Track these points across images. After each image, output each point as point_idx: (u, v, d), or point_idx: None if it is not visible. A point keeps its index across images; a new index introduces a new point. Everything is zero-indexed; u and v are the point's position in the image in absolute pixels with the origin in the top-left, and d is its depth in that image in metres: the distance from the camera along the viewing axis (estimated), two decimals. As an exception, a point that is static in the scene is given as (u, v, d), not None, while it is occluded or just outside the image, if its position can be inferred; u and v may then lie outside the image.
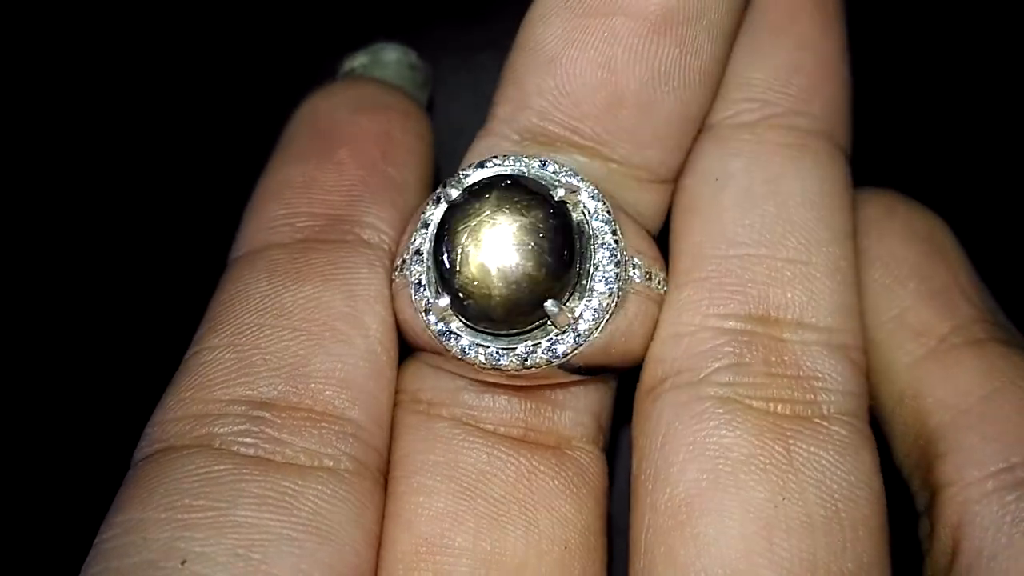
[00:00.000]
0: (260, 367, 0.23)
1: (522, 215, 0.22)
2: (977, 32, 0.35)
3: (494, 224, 0.22)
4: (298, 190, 0.26)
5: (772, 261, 0.24)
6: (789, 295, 0.23)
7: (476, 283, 0.22)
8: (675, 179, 0.26)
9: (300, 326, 0.23)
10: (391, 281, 0.25)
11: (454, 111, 0.34)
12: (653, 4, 0.23)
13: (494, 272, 0.22)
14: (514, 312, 0.22)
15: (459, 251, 0.22)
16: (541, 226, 0.22)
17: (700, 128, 0.25)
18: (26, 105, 0.36)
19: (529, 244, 0.22)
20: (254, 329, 0.23)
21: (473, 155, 0.25)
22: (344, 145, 0.26)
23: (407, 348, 0.25)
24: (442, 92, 0.34)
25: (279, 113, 0.28)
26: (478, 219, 0.22)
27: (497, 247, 0.22)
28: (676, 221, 0.25)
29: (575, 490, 0.23)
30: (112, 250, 0.35)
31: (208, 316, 0.24)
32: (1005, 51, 0.34)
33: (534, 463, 0.23)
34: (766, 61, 0.25)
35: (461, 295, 0.22)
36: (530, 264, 0.22)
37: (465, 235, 0.22)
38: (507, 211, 0.22)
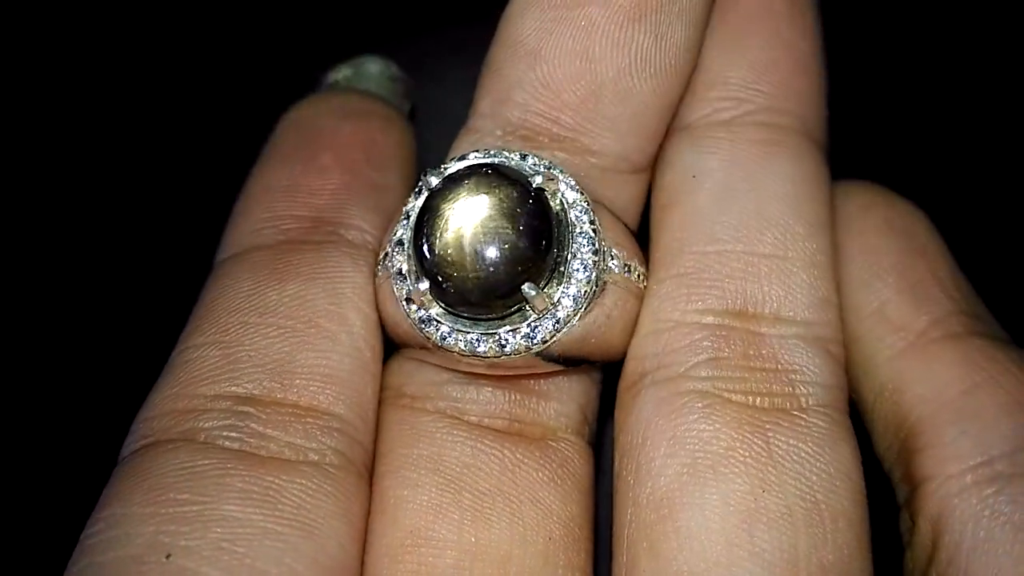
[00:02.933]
0: (245, 363, 0.23)
1: (498, 198, 0.22)
2: (955, 26, 0.35)
3: (470, 207, 0.22)
4: (282, 194, 0.26)
5: (749, 256, 0.24)
6: (766, 289, 0.24)
7: (453, 265, 0.22)
8: (651, 168, 0.26)
9: (284, 323, 0.24)
10: (375, 278, 0.25)
11: (435, 121, 0.35)
12: None
13: (470, 253, 0.22)
14: (491, 294, 0.22)
15: (436, 235, 0.22)
16: (518, 210, 0.22)
17: (673, 120, 0.26)
18: (20, 112, 0.37)
19: (505, 227, 0.22)
20: (239, 327, 0.24)
21: (456, 150, 0.26)
22: (328, 150, 0.27)
23: (392, 347, 0.25)
24: (423, 103, 0.35)
25: (265, 122, 0.29)
26: (455, 203, 0.22)
27: (473, 229, 0.22)
28: (655, 218, 0.26)
29: (560, 482, 0.24)
30: (102, 253, 0.36)
31: (194, 316, 0.25)
32: (985, 45, 0.35)
33: (519, 455, 0.24)
34: (740, 59, 0.25)
35: (440, 278, 0.22)
36: (506, 246, 0.22)
37: (442, 219, 0.22)
38: (484, 194, 0.22)
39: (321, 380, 0.23)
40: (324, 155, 0.27)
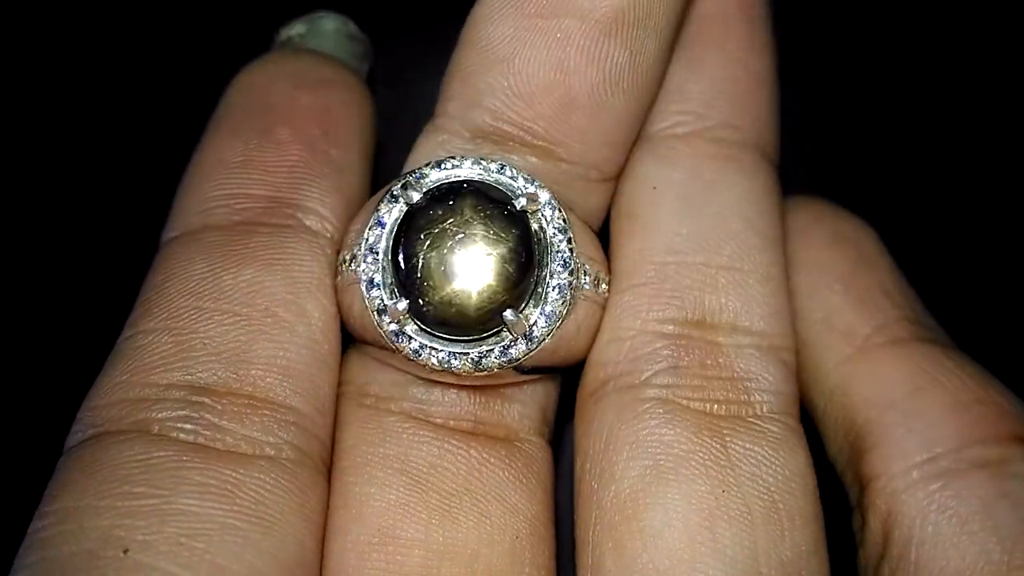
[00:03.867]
0: (199, 351, 0.22)
1: (486, 225, 0.22)
2: (899, 46, 0.36)
3: (458, 233, 0.22)
4: (236, 169, 0.25)
5: (707, 268, 0.25)
6: (724, 300, 0.24)
7: (437, 291, 0.22)
8: (617, 177, 0.26)
9: (240, 311, 0.23)
10: (336, 272, 0.25)
11: (394, 84, 0.33)
12: (604, 6, 0.23)
13: (458, 282, 0.22)
14: (473, 321, 0.23)
15: (421, 257, 0.22)
16: (503, 236, 0.22)
17: (639, 132, 0.26)
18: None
19: (493, 255, 0.22)
20: (192, 312, 0.23)
21: (423, 150, 0.26)
22: (284, 123, 0.26)
23: (348, 338, 0.25)
24: (381, 64, 0.33)
25: (212, 84, 0.27)
26: (441, 226, 0.22)
27: (461, 257, 0.22)
28: (616, 225, 0.26)
29: (525, 481, 0.24)
30: (38, 227, 0.33)
31: (142, 299, 0.24)
32: (927, 65, 0.36)
33: (484, 455, 0.23)
34: (700, 76, 0.26)
35: (421, 301, 0.22)
36: (493, 276, 0.22)
37: (428, 241, 0.22)
38: (471, 220, 0.22)
39: (278, 372, 0.23)
40: (280, 128, 0.26)
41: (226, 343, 0.23)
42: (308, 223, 0.25)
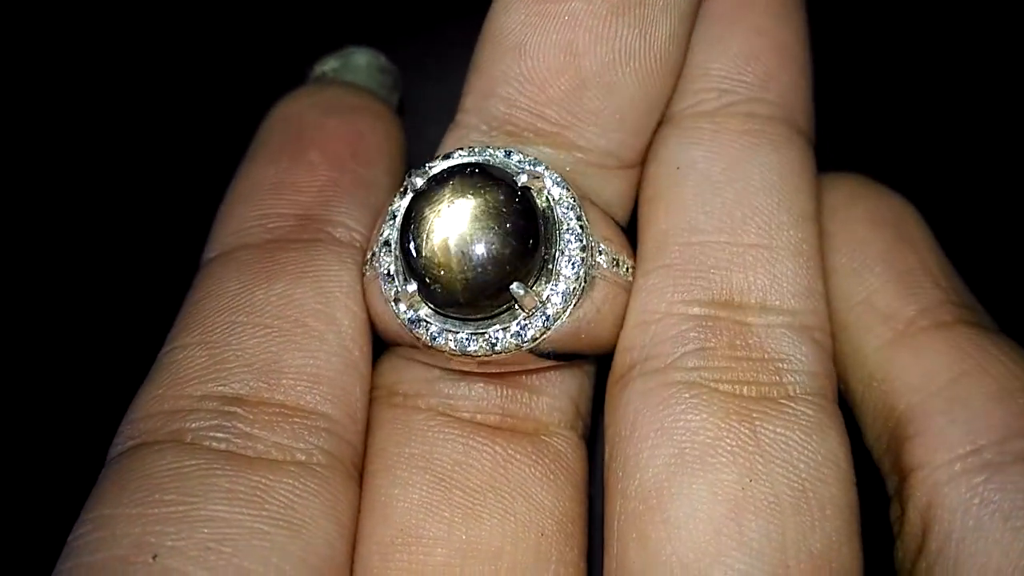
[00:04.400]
0: (232, 363, 0.23)
1: (484, 199, 0.22)
2: (944, 21, 0.35)
3: (456, 208, 0.22)
4: (269, 191, 0.26)
5: (734, 247, 0.24)
6: (752, 279, 0.24)
7: (441, 267, 0.22)
8: (640, 164, 0.26)
9: (272, 323, 0.24)
10: (363, 277, 0.25)
11: (424, 114, 0.34)
12: None
13: (458, 255, 0.22)
14: (480, 295, 0.22)
15: (423, 237, 0.22)
16: (504, 210, 0.22)
17: (662, 115, 0.26)
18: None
19: (492, 226, 0.22)
20: (226, 327, 0.24)
21: (443, 147, 0.26)
22: (314, 146, 0.26)
23: (381, 345, 0.25)
24: (412, 95, 0.34)
25: (251, 117, 0.29)
26: (440, 205, 0.22)
27: (460, 230, 0.22)
28: (641, 210, 0.26)
29: (552, 477, 0.24)
30: (89, 252, 0.36)
31: (181, 316, 0.25)
32: (973, 41, 0.34)
33: (510, 451, 0.24)
34: (723, 50, 0.25)
35: (428, 280, 0.22)
36: (493, 246, 0.22)
37: (429, 221, 0.22)
38: (469, 195, 0.22)
39: (308, 380, 0.23)
40: (310, 151, 0.26)
41: (258, 354, 0.23)
42: (337, 235, 0.25)
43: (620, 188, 0.26)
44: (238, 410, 0.23)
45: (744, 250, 0.24)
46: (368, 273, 0.24)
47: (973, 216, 0.32)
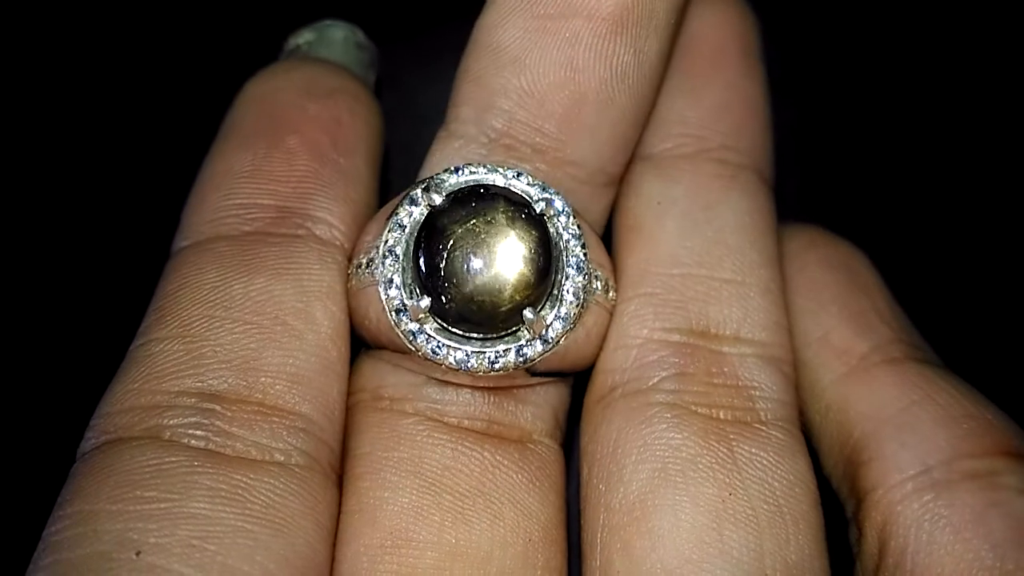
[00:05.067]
0: (210, 359, 0.23)
1: (509, 225, 0.23)
2: (889, 75, 0.37)
3: (480, 231, 0.23)
4: (245, 179, 0.25)
5: (711, 280, 0.25)
6: (727, 312, 0.25)
7: (461, 288, 0.23)
8: (618, 183, 0.27)
9: (250, 319, 0.23)
10: (348, 278, 0.25)
11: (401, 92, 0.34)
12: (609, 5, 0.24)
13: (481, 279, 0.23)
14: (495, 318, 0.23)
15: (445, 256, 0.23)
16: (526, 236, 0.23)
17: (637, 148, 0.27)
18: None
19: (516, 254, 0.23)
20: (203, 321, 0.23)
21: (439, 156, 0.26)
22: (292, 132, 0.26)
23: (357, 345, 0.25)
24: (388, 72, 0.33)
25: (221, 93, 0.27)
26: (465, 226, 0.23)
27: (485, 254, 0.23)
28: (620, 237, 0.27)
29: (538, 483, 0.24)
30: (46, 239, 0.33)
31: (154, 307, 0.24)
32: (918, 95, 0.37)
33: (498, 457, 0.24)
34: (699, 102, 0.28)
35: (444, 299, 0.23)
36: (516, 273, 0.23)
37: (452, 241, 0.23)
38: (494, 221, 0.23)
39: (287, 379, 0.23)
40: (289, 138, 0.26)
41: (236, 351, 0.23)
42: (317, 232, 0.25)
43: (602, 207, 0.27)
44: (217, 407, 0.22)
45: (720, 284, 0.25)
46: (362, 278, 0.24)
47: (918, 261, 0.35)
